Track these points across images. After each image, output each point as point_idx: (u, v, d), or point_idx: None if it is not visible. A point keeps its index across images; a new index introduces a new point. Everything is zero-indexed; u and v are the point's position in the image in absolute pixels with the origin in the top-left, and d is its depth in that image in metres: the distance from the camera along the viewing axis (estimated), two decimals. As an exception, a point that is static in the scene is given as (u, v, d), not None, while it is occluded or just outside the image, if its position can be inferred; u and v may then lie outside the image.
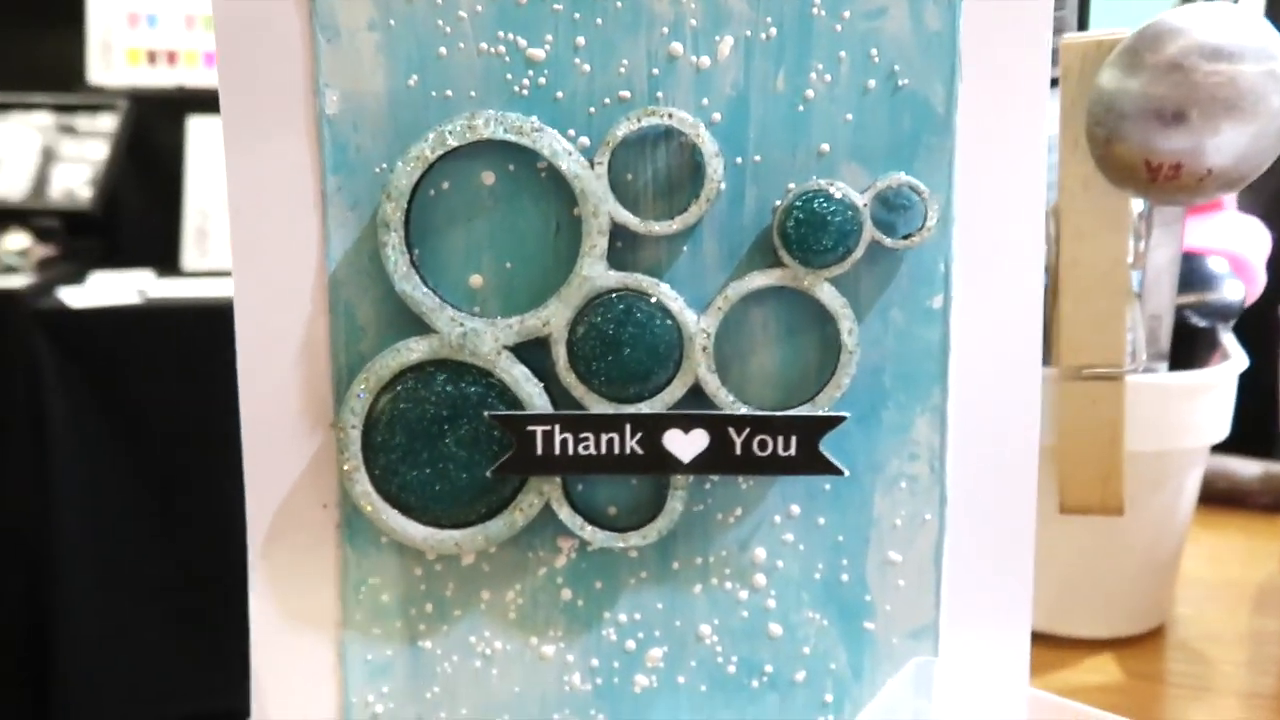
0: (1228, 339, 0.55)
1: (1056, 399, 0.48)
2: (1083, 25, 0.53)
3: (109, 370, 1.57)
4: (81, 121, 1.86)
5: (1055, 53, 0.46)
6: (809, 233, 0.34)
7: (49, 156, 1.83)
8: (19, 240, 1.72)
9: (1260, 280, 0.58)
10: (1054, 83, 0.47)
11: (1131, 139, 0.42)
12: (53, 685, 1.55)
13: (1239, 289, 0.55)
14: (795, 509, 0.36)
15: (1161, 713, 0.48)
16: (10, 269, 1.68)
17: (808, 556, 0.37)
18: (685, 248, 0.36)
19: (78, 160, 1.82)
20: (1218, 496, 0.69)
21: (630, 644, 0.37)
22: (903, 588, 0.37)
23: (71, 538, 1.54)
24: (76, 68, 1.86)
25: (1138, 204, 0.48)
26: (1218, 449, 0.71)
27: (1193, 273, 0.56)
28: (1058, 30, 0.53)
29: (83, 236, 1.81)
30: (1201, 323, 0.54)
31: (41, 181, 1.80)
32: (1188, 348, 0.54)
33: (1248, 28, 0.40)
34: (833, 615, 0.37)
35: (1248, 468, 0.69)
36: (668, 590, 0.37)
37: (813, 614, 0.37)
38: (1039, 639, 0.54)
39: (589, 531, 0.36)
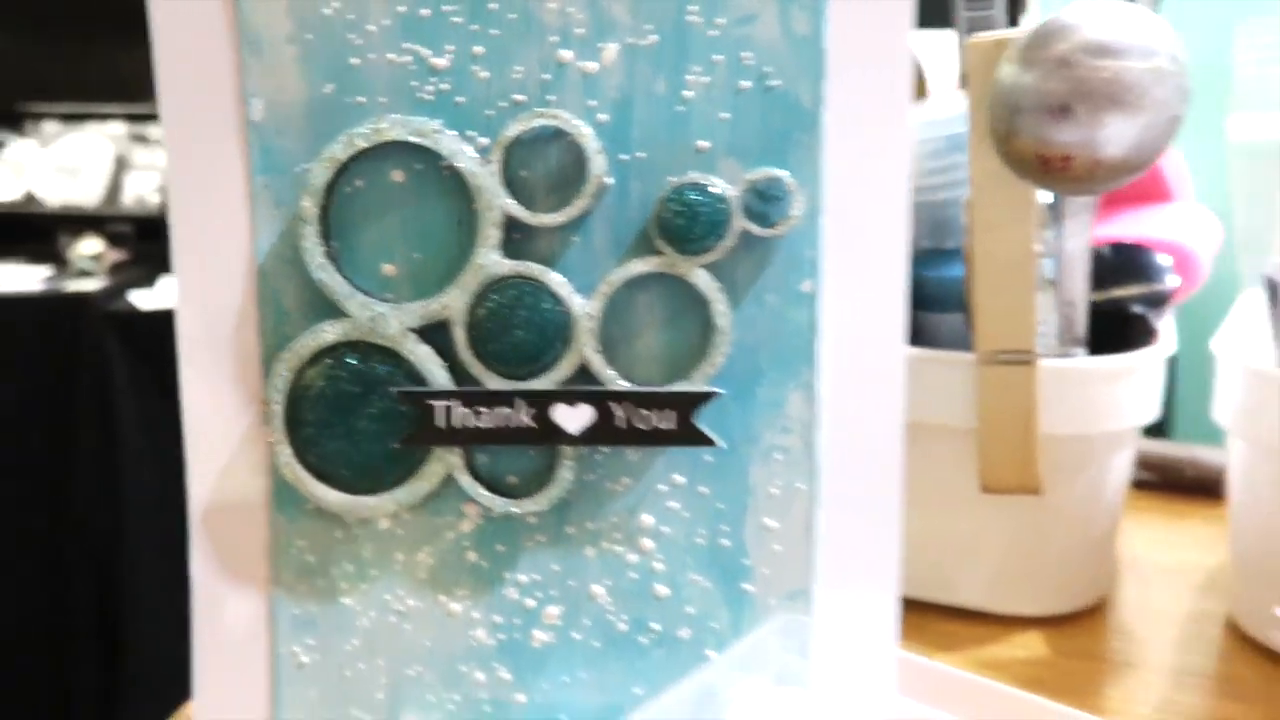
0: (1163, 324, 0.56)
1: (976, 383, 0.50)
2: (1014, 25, 0.55)
3: (178, 372, 1.62)
4: (153, 130, 1.95)
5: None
6: (683, 223, 0.37)
7: (122, 164, 1.92)
8: (93, 245, 1.82)
9: (1204, 273, 0.59)
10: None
11: (1026, 133, 0.44)
12: (122, 687, 1.61)
13: (1177, 281, 0.56)
14: (679, 479, 0.39)
15: (1081, 686, 0.50)
16: (84, 273, 1.77)
17: (691, 523, 0.39)
18: (576, 238, 0.39)
19: (149, 168, 1.91)
20: (1185, 484, 0.70)
21: (530, 602, 0.40)
22: (779, 552, 0.39)
23: (141, 540, 1.59)
24: (148, 79, 1.94)
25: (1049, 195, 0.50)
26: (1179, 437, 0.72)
27: (1136, 264, 0.57)
28: (986, 28, 0.55)
29: (153, 241, 1.89)
30: (1137, 310, 0.56)
31: (115, 189, 1.90)
32: (1123, 334, 0.55)
33: (1135, 25, 0.42)
34: (715, 578, 0.40)
35: (1215, 456, 0.69)
36: (563, 553, 0.40)
37: (696, 576, 0.40)
38: (975, 616, 0.56)
39: (487, 498, 0.39)
